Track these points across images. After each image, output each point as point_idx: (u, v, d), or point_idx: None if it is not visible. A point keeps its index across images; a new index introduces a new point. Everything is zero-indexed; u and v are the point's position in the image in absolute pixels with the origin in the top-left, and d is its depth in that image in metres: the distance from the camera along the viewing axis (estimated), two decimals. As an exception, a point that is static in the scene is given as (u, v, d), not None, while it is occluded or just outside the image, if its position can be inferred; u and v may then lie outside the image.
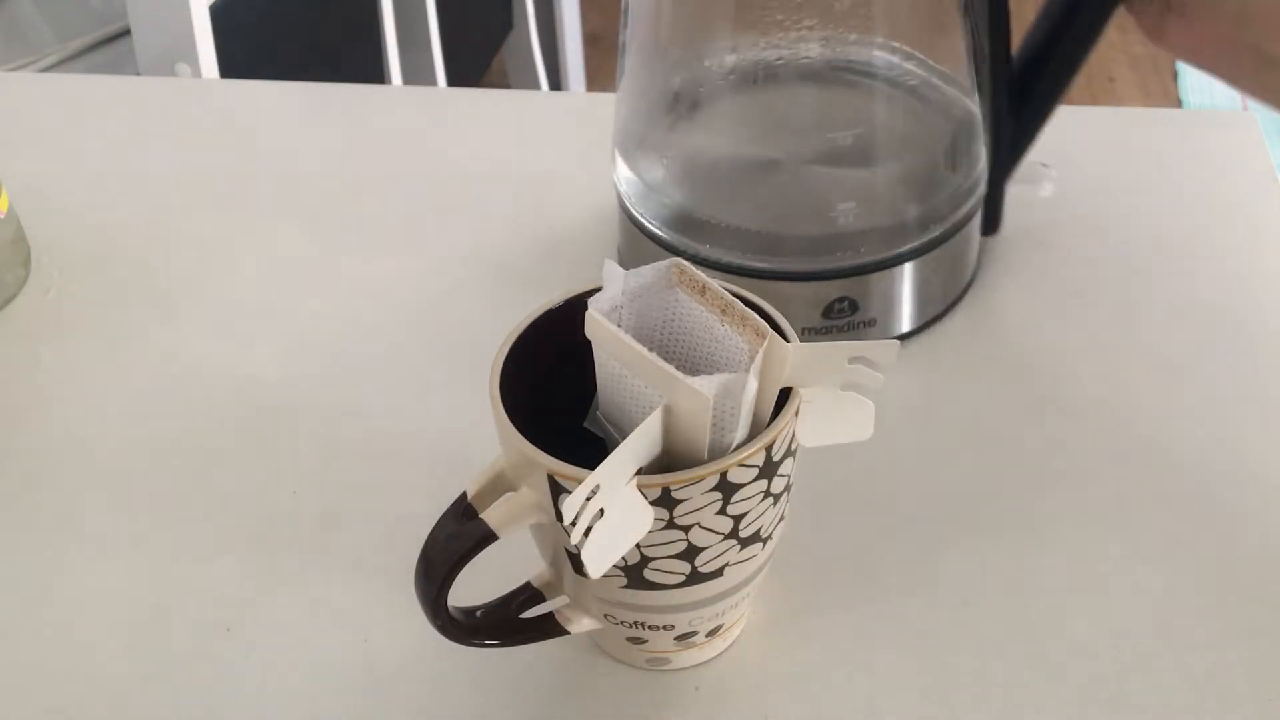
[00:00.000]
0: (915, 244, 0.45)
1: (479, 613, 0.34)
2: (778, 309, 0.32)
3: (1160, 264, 0.51)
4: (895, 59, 0.46)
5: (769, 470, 0.30)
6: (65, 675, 0.37)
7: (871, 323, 0.45)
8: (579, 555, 0.28)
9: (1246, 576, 0.38)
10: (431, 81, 1.38)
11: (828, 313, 0.44)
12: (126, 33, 0.99)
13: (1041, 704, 0.35)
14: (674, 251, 0.45)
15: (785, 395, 0.30)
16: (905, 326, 0.46)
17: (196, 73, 0.94)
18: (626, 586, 0.32)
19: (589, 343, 0.31)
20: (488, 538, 0.30)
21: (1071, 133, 0.51)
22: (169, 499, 0.43)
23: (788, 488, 0.32)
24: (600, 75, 1.99)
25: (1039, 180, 0.50)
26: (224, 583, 0.40)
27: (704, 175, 0.48)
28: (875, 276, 0.44)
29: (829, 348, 0.29)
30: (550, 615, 0.35)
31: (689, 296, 0.31)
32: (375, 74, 1.28)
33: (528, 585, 0.35)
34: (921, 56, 0.46)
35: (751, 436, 0.30)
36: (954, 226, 0.45)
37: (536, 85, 1.67)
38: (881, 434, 0.32)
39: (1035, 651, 0.36)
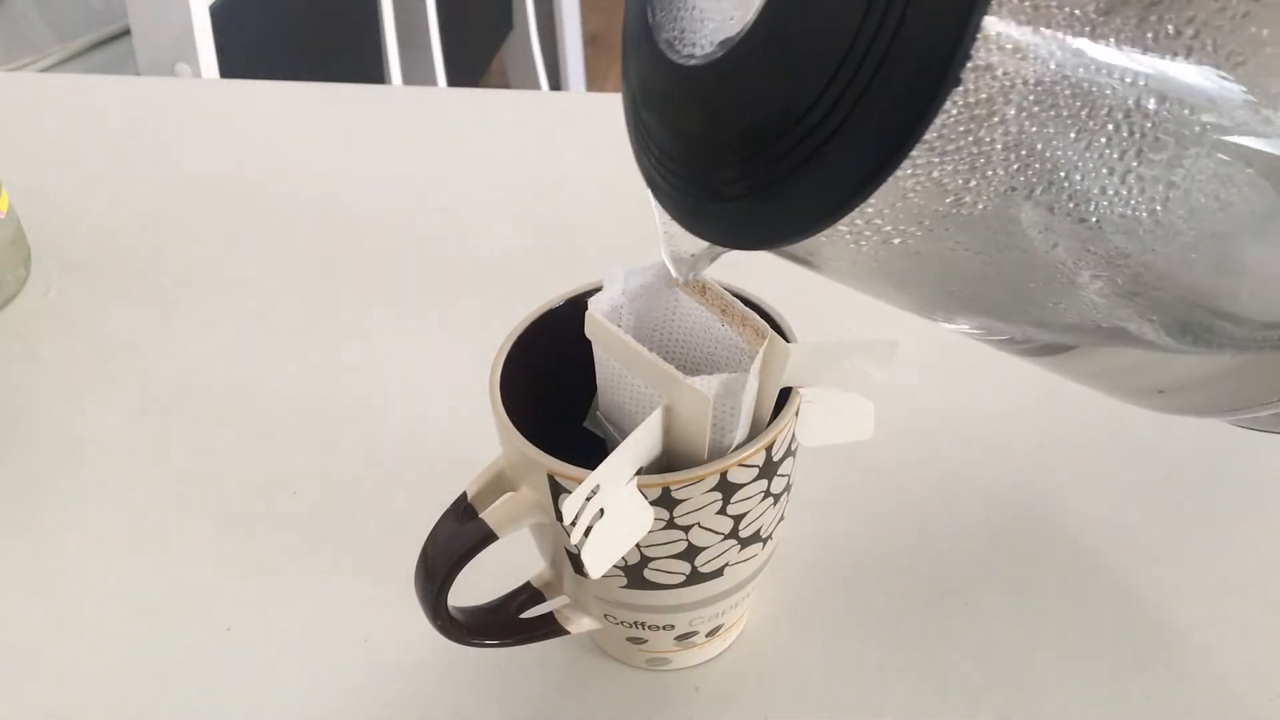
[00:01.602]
0: None
1: (479, 613, 0.34)
2: None
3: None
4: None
5: (769, 470, 0.30)
6: (65, 675, 0.37)
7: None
8: (579, 555, 0.28)
9: (1249, 577, 0.38)
10: (431, 81, 1.38)
11: None
12: (126, 33, 0.99)
13: (1041, 704, 0.35)
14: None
15: (785, 395, 0.30)
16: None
17: (196, 73, 0.94)
18: (626, 586, 0.32)
19: (589, 343, 0.31)
20: (488, 538, 0.30)
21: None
22: (169, 499, 0.43)
23: (788, 488, 0.32)
24: (600, 75, 1.99)
25: None
26: (224, 583, 0.40)
27: None
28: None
29: (829, 347, 0.29)
30: (550, 615, 0.35)
31: (689, 296, 0.31)
32: (375, 74, 1.28)
33: (528, 585, 0.35)
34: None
35: (751, 436, 0.30)
36: None
37: (536, 85, 1.67)
38: (881, 434, 0.32)
39: (1035, 651, 0.36)
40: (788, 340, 0.31)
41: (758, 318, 0.30)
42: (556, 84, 1.75)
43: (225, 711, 0.36)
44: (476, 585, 0.33)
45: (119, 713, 0.36)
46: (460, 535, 0.31)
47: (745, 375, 0.28)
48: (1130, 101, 0.19)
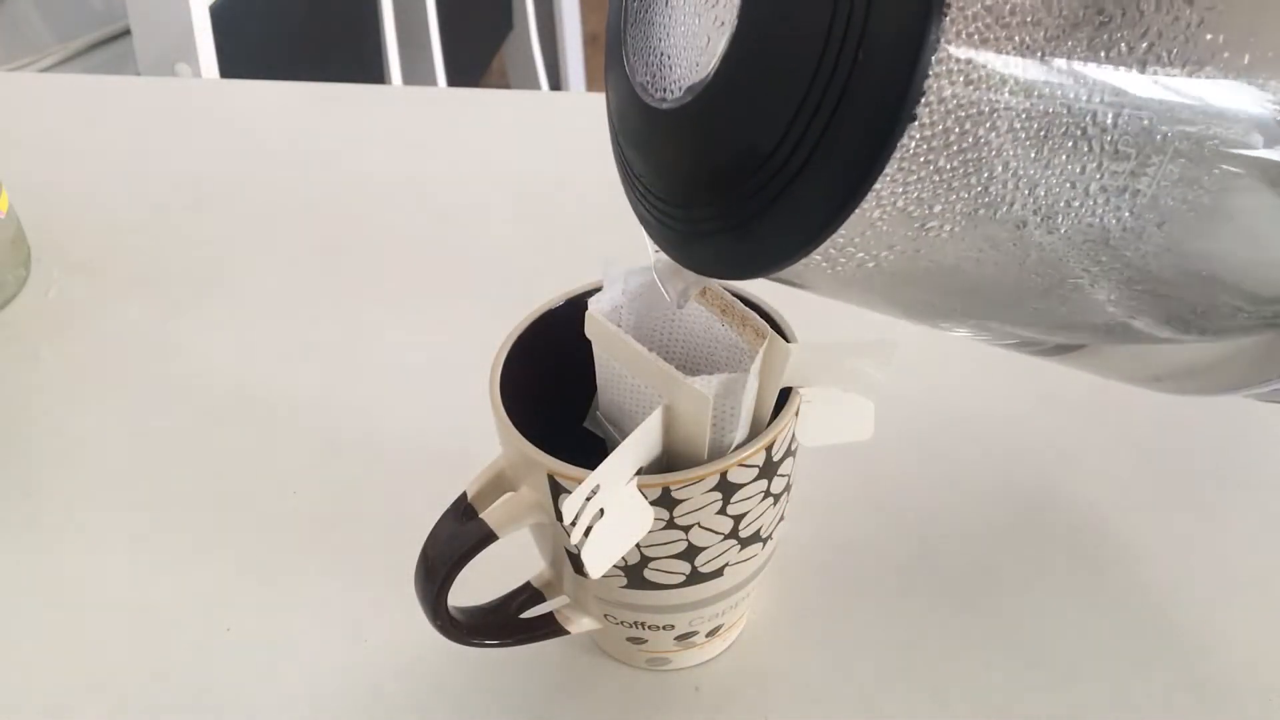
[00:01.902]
0: None
1: (479, 613, 0.34)
2: None
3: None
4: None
5: (769, 470, 0.30)
6: (65, 675, 0.37)
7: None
8: (579, 555, 0.28)
9: (1247, 576, 0.38)
10: (431, 81, 1.38)
11: None
12: (126, 33, 0.99)
13: (1041, 704, 0.35)
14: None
15: (785, 395, 0.30)
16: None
17: (196, 73, 0.94)
18: (626, 586, 0.32)
19: (589, 343, 0.31)
20: (488, 538, 0.30)
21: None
22: (169, 499, 0.43)
23: (788, 488, 0.32)
24: (600, 75, 1.98)
25: None
26: (224, 583, 0.40)
27: None
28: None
29: (829, 347, 0.29)
30: (550, 615, 0.35)
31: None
32: (375, 74, 1.28)
33: (528, 585, 0.35)
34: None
35: (751, 436, 0.30)
36: None
37: (536, 85, 1.67)
38: (882, 434, 0.32)
39: (1035, 652, 0.36)
40: (788, 340, 0.31)
41: (758, 318, 0.30)
42: (556, 84, 1.75)
43: (225, 711, 0.36)
44: (476, 585, 0.33)
45: (119, 713, 0.36)
46: (460, 535, 0.31)
47: (745, 375, 0.28)
48: (1088, 119, 0.19)
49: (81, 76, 0.76)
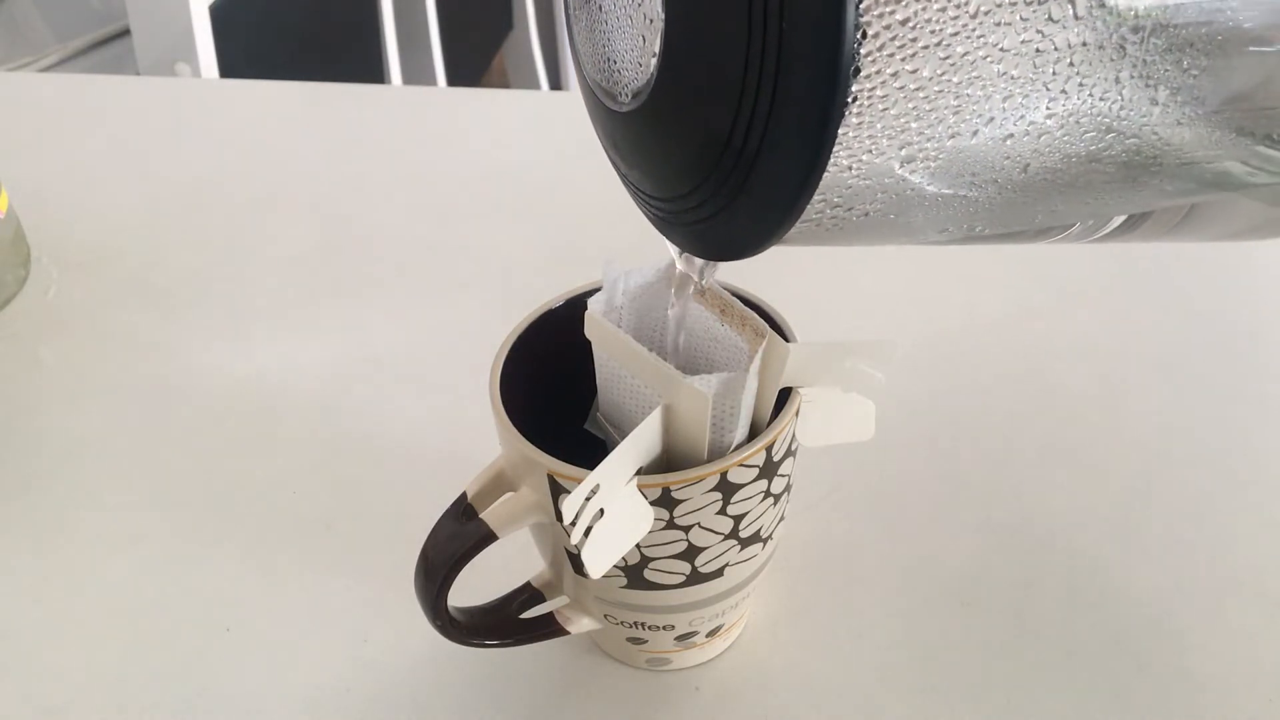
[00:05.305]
0: None
1: (479, 613, 0.34)
2: None
3: (1156, 262, 0.51)
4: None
5: (769, 470, 0.30)
6: (65, 675, 0.37)
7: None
8: (579, 555, 0.28)
9: (1246, 576, 0.38)
10: (431, 81, 1.38)
11: None
12: (126, 33, 0.99)
13: (1041, 704, 0.35)
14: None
15: (785, 395, 0.30)
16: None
17: (196, 73, 0.94)
18: (626, 586, 0.32)
19: (589, 343, 0.31)
20: (488, 538, 0.30)
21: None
22: (168, 498, 0.43)
23: (788, 488, 0.32)
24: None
25: None
26: (224, 583, 0.40)
27: None
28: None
29: (829, 347, 0.29)
30: (550, 615, 0.35)
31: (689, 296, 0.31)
32: (375, 74, 1.28)
33: (528, 585, 0.35)
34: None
35: (751, 436, 0.30)
36: None
37: (536, 85, 1.67)
38: (882, 434, 0.32)
39: (1035, 651, 0.36)
40: (788, 340, 0.31)
41: (757, 318, 0.30)
42: (556, 84, 1.75)
43: (225, 711, 0.36)
44: (476, 585, 0.33)
45: (119, 713, 0.36)
46: (460, 535, 0.31)
47: (745, 375, 0.28)
48: (1042, 20, 0.19)
49: (81, 76, 0.76)
